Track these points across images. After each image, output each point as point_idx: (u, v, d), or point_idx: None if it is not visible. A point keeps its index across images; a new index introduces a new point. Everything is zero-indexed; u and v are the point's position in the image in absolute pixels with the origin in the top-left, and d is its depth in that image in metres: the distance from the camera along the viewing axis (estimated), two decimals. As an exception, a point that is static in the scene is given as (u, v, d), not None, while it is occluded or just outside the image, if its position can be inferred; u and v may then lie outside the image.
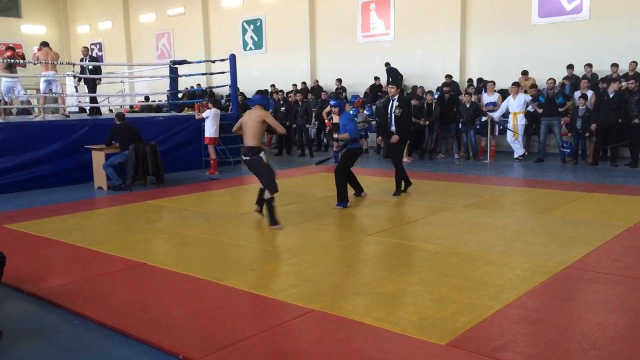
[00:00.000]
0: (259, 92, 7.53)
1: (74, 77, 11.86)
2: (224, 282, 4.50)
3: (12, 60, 11.17)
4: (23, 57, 12.16)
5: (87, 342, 3.54)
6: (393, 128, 7.93)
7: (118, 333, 3.64)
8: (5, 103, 11.84)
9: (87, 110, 12.87)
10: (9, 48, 11.86)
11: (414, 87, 14.73)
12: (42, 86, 11.67)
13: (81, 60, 12.92)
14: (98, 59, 13.46)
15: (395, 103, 7.83)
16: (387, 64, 15.77)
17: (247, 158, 6.65)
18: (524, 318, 3.69)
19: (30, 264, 5.15)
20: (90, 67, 12.49)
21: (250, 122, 6.57)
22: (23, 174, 9.56)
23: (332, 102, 8.24)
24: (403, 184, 8.22)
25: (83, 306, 4.07)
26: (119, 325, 3.72)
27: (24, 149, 9.61)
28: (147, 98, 18.67)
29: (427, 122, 12.50)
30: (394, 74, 15.13)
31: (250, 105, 6.94)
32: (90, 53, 13.13)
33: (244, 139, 6.71)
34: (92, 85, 12.89)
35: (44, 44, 11.73)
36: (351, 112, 9.37)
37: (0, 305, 3.73)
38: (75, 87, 12.20)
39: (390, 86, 8.13)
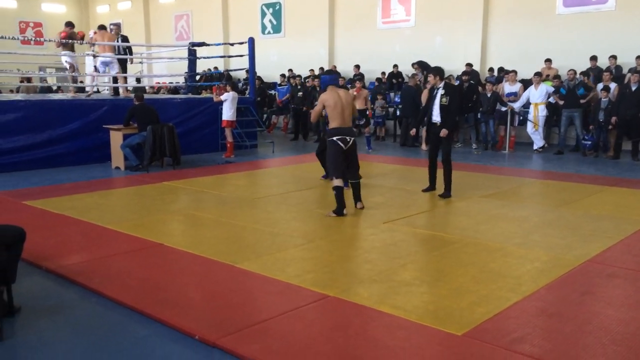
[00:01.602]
0: (330, 71, 7.09)
1: (94, 56, 11.82)
2: (240, 265, 4.50)
3: (70, 41, 11.21)
4: (82, 38, 12.10)
5: (105, 320, 3.57)
6: (437, 119, 7.17)
7: (135, 312, 3.66)
8: (73, 79, 11.98)
9: (111, 90, 12.74)
10: (67, 26, 11.82)
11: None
12: (100, 68, 11.73)
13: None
14: (128, 39, 13.23)
15: (442, 91, 7.09)
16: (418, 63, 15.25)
17: (350, 140, 6.26)
18: (542, 311, 3.65)
19: (48, 241, 5.20)
20: (121, 47, 12.34)
21: (347, 102, 6.28)
22: (42, 152, 9.63)
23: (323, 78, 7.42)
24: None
25: (101, 284, 4.10)
26: (135, 304, 3.74)
27: (43, 127, 9.67)
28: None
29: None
30: (425, 66, 14.76)
31: (323, 86, 6.53)
32: (121, 32, 12.93)
33: (340, 120, 6.20)
34: (123, 66, 12.70)
35: (102, 27, 11.72)
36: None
37: (19, 281, 3.76)
38: (95, 67, 12.16)
39: (430, 75, 7.40)
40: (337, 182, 6.18)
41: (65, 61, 11.50)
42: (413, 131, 8.54)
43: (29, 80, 16.13)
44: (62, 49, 11.34)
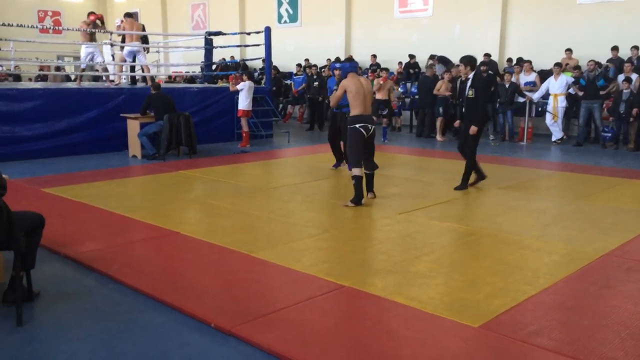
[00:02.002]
0: (349, 59, 7.09)
1: (112, 45, 11.86)
2: (255, 255, 4.51)
3: (94, 30, 11.27)
4: (101, 20, 12.01)
5: (122, 306, 3.61)
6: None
7: (151, 299, 3.69)
8: (83, 70, 12.02)
9: (129, 79, 12.76)
10: (91, 13, 11.87)
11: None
12: (127, 57, 11.79)
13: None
14: (144, 28, 13.16)
15: (469, 83, 6.81)
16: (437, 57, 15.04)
17: (371, 128, 6.21)
18: (560, 304, 3.61)
19: (66, 228, 5.26)
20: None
21: (368, 90, 6.24)
22: (60, 140, 9.72)
23: (336, 65, 7.62)
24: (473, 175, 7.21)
25: (118, 271, 4.14)
26: (152, 291, 3.77)
27: (61, 115, 9.76)
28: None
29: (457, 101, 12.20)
30: (446, 61, 14.59)
31: (344, 73, 6.48)
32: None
33: (362, 107, 6.12)
34: (141, 56, 12.60)
35: (128, 15, 11.71)
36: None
37: (38, 267, 3.81)
38: (112, 56, 12.22)
39: (460, 65, 7.00)
40: (357, 171, 6.13)
41: (129, 51, 11.58)
42: (457, 122, 7.94)
43: (57, 69, 16.19)
44: (85, 38, 11.35)
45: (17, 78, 18.59)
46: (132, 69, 12.53)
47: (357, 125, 6.12)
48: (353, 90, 6.12)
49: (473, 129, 6.84)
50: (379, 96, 11.24)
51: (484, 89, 6.90)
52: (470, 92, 6.81)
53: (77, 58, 12.99)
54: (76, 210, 5.96)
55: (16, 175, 7.55)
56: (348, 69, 6.44)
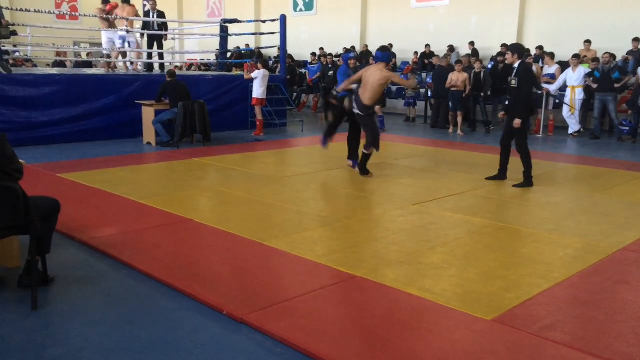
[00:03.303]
0: (383, 47, 7.17)
1: (127, 32, 11.86)
2: (268, 243, 4.52)
3: (111, 17, 11.27)
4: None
5: (135, 292, 3.64)
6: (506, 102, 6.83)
7: (164, 285, 3.72)
8: (108, 56, 12.01)
9: (143, 67, 12.73)
10: (106, 2, 11.85)
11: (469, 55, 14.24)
12: (117, 43, 11.60)
13: (147, 13, 12.53)
14: (164, 15, 12.95)
15: (514, 72, 6.62)
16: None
17: (361, 114, 6.93)
18: (574, 299, 3.58)
19: (81, 213, 5.30)
20: (158, 22, 12.18)
21: (375, 82, 6.67)
22: (76, 126, 9.78)
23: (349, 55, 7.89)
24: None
25: (131, 257, 4.17)
26: (165, 277, 3.79)
27: (77, 101, 9.81)
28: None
29: (466, 93, 12.03)
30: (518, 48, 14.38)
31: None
32: (157, 7, 12.67)
33: (362, 96, 6.76)
34: (159, 42, 12.56)
35: (124, 0, 11.57)
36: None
37: (53, 252, 3.85)
38: (129, 43, 12.21)
39: (508, 52, 6.79)
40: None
41: (109, 38, 11.52)
42: (502, 114, 7.55)
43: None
44: (105, 25, 11.34)
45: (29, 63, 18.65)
46: (150, 55, 12.52)
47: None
48: (359, 79, 6.81)
49: (517, 122, 6.60)
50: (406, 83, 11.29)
51: (528, 79, 6.66)
52: (513, 82, 6.60)
53: (94, 44, 13.00)
54: (91, 196, 6.01)
55: (32, 161, 7.63)
56: (376, 59, 6.95)
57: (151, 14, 12.38)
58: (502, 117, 7.52)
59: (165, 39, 13.23)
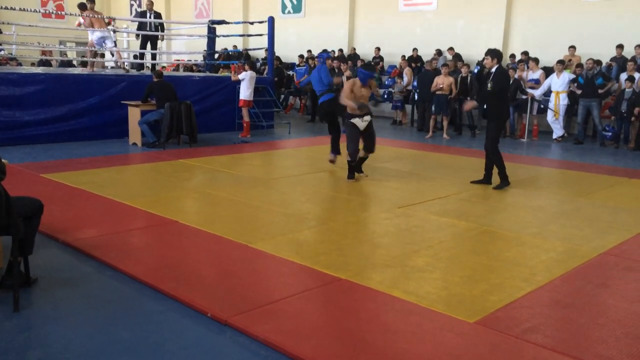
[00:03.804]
0: (365, 65, 7.72)
1: (114, 31, 11.79)
2: (253, 245, 4.52)
3: (98, 16, 11.15)
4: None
5: (119, 294, 3.61)
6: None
7: (149, 287, 3.70)
8: (95, 54, 11.84)
9: (136, 67, 12.55)
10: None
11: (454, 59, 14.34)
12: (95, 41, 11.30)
13: (143, 14, 12.32)
14: (161, 16, 12.87)
15: (491, 76, 6.80)
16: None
17: (369, 119, 7.06)
18: (556, 302, 3.62)
19: (65, 214, 5.26)
20: (153, 23, 12.02)
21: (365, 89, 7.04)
22: (60, 126, 9.70)
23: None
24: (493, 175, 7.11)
25: (116, 258, 4.14)
26: (150, 279, 3.77)
27: (62, 100, 9.73)
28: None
29: (452, 97, 12.13)
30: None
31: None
32: (153, 7, 12.50)
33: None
34: (154, 42, 12.37)
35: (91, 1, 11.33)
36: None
37: (36, 253, 3.81)
38: (114, 42, 12.12)
39: (486, 57, 6.90)
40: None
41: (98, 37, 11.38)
42: (469, 105, 8.02)
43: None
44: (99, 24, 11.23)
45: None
46: (141, 56, 12.39)
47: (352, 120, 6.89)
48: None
49: (467, 105, 7.64)
50: None
51: (504, 84, 6.88)
52: (489, 84, 6.81)
53: (80, 43, 12.84)
54: (75, 197, 5.96)
55: (16, 160, 7.55)
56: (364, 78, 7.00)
57: (148, 14, 12.22)
58: (467, 110, 8.16)
59: (162, 39, 13.03)
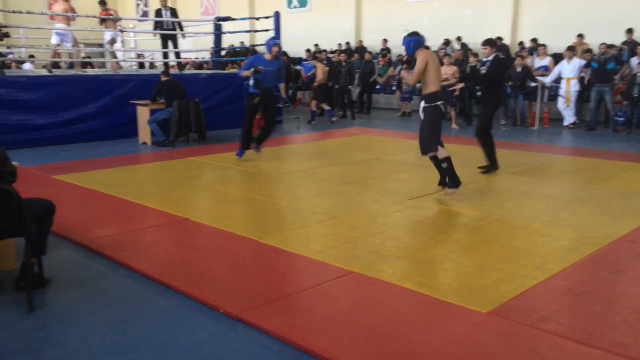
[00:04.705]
0: (413, 33, 6.04)
1: (121, 31, 11.82)
2: (264, 241, 4.53)
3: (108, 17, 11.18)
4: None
5: (132, 292, 3.64)
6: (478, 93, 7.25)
7: (161, 285, 3.72)
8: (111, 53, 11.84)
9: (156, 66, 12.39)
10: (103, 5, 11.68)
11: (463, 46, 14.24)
12: (53, 40, 11.10)
13: (158, 12, 12.11)
14: (177, 12, 12.38)
15: (487, 64, 6.98)
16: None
17: (443, 103, 5.98)
18: (569, 290, 3.59)
19: (77, 214, 5.30)
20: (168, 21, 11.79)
21: (438, 64, 5.92)
22: (70, 127, 9.75)
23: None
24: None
25: (128, 257, 4.17)
26: (162, 277, 3.80)
27: (71, 102, 9.78)
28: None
29: (457, 86, 12.02)
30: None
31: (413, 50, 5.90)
32: (167, 4, 12.15)
33: (435, 84, 5.81)
34: (174, 41, 12.13)
35: None
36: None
37: (49, 254, 3.85)
38: (122, 42, 12.17)
39: (484, 47, 7.01)
40: (444, 151, 5.84)
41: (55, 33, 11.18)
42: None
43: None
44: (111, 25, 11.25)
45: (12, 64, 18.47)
46: (165, 55, 12.36)
47: (438, 103, 5.85)
48: (435, 64, 5.76)
49: (454, 84, 7.83)
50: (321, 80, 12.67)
51: (499, 70, 7.05)
52: (483, 69, 6.94)
53: (87, 44, 12.90)
54: (87, 197, 6.00)
55: (27, 163, 7.62)
56: (420, 42, 5.90)
57: (163, 12, 12.10)
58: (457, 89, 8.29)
59: (184, 37, 12.77)
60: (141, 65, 12.42)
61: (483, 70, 6.94)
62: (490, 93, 7.10)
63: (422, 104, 5.95)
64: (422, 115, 5.98)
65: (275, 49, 7.46)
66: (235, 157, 7.92)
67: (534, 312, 3.25)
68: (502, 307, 3.32)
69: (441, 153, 5.85)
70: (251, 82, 7.50)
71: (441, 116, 5.94)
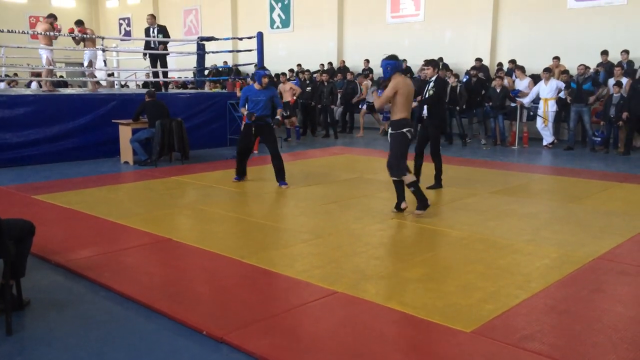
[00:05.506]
0: (392, 56, 6.06)
1: (103, 50, 11.78)
2: (247, 260, 4.50)
3: (85, 36, 11.09)
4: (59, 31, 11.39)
5: (113, 314, 3.58)
6: (425, 112, 7.28)
7: (143, 306, 3.67)
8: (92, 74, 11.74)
9: (149, 86, 12.30)
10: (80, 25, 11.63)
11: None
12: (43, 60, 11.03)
13: (147, 30, 12.06)
14: (166, 29, 12.50)
15: (431, 84, 7.08)
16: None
17: (409, 130, 5.98)
18: (551, 308, 3.62)
19: (57, 235, 5.22)
20: (156, 40, 11.80)
21: (410, 91, 5.85)
22: (51, 146, 9.66)
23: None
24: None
25: (109, 279, 4.11)
26: (144, 299, 3.75)
27: (52, 121, 9.71)
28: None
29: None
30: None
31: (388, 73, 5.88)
32: (155, 22, 12.12)
33: (403, 111, 5.84)
34: (163, 60, 12.11)
35: (50, 16, 11.06)
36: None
37: (28, 275, 3.78)
38: (104, 62, 12.14)
39: (427, 67, 7.24)
40: (411, 177, 6.00)
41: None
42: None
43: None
44: (83, 45, 11.23)
45: None
46: (155, 74, 12.30)
47: (404, 130, 5.90)
48: (405, 93, 5.77)
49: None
50: (286, 99, 12.89)
51: (442, 91, 7.42)
52: (431, 91, 7.11)
53: (69, 64, 12.83)
54: (67, 217, 5.92)
55: (6, 182, 7.52)
56: (396, 67, 5.90)
57: (151, 31, 12.07)
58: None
59: (169, 54, 12.68)
60: (123, 85, 12.42)
61: (431, 92, 7.10)
62: (434, 114, 7.26)
63: (389, 130, 6.06)
64: (389, 139, 6.08)
65: (265, 80, 7.52)
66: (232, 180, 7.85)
67: (517, 331, 3.27)
68: (485, 326, 3.33)
69: (407, 178, 5.98)
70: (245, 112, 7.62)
71: (407, 143, 6.00)
